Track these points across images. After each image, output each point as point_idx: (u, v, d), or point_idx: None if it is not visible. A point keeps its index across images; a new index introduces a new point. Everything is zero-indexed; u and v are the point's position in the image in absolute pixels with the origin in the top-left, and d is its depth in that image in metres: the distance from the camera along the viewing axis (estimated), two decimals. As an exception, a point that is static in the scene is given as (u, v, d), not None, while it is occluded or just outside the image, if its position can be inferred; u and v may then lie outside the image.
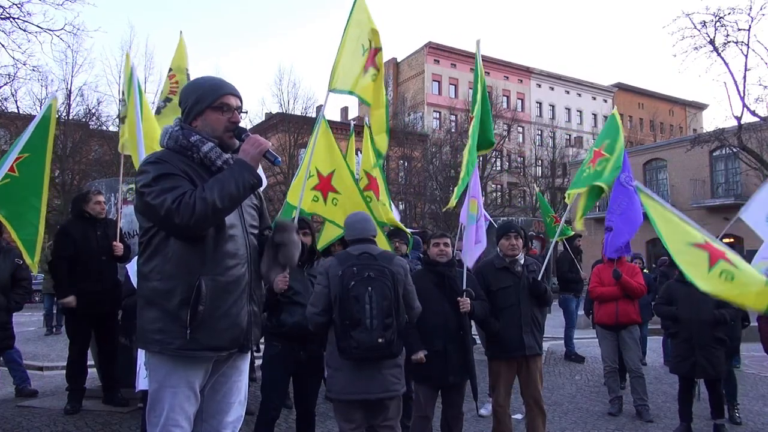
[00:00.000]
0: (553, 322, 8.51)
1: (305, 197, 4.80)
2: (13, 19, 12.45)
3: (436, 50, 46.79)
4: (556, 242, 6.23)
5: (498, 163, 37.95)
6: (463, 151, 4.73)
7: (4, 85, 17.19)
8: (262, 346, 4.10)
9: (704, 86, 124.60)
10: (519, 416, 5.17)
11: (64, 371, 5.26)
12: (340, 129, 36.01)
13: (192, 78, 5.38)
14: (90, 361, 5.14)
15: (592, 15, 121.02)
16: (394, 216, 6.07)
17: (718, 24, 17.33)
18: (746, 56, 17.49)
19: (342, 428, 3.42)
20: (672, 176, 29.09)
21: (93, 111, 23.97)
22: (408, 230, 5.96)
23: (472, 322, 4.24)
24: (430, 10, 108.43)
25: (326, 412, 5.19)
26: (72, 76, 23.21)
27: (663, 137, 48.70)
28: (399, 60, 49.38)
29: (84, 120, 23.87)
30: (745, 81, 17.64)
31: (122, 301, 4.52)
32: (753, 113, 18.09)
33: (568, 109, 52.54)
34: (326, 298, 3.35)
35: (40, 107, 4.95)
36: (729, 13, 17.24)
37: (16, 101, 21.83)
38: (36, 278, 14.84)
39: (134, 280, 3.66)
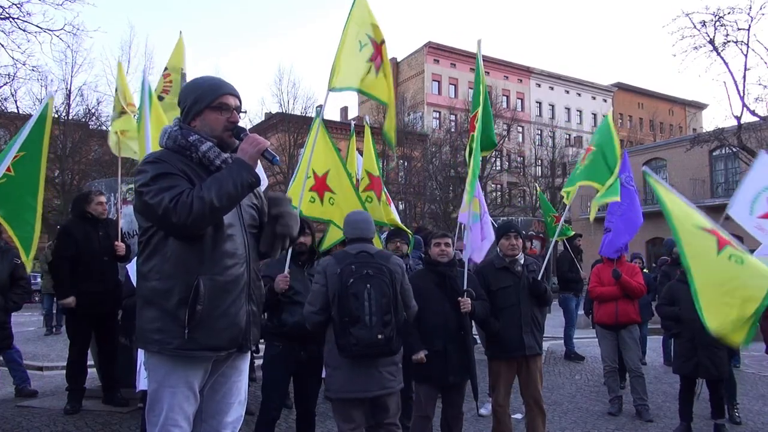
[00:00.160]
0: (553, 321, 8.52)
1: (296, 197, 4.83)
2: (13, 19, 12.46)
3: (435, 50, 46.80)
4: (556, 242, 6.23)
5: (498, 163, 37.98)
6: (465, 153, 4.72)
7: (4, 85, 17.22)
8: (261, 347, 4.10)
9: (704, 86, 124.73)
10: (519, 416, 5.17)
11: (64, 371, 5.26)
12: (340, 129, 36.02)
13: (188, 79, 5.39)
14: (90, 361, 5.14)
15: (592, 15, 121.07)
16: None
17: (717, 24, 17.35)
18: (746, 56, 17.52)
19: (341, 429, 3.41)
20: (672, 176, 29.06)
21: (93, 111, 23.99)
22: (409, 231, 5.96)
23: (473, 322, 4.24)
24: (430, 10, 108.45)
25: (326, 412, 5.19)
26: (72, 76, 23.25)
27: (663, 137, 48.71)
28: (399, 60, 49.35)
29: (84, 120, 23.88)
30: (744, 80, 17.67)
31: (122, 301, 4.53)
32: (753, 113, 18.11)
33: (568, 109, 52.57)
34: (324, 296, 3.36)
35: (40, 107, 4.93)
36: (729, 13, 17.27)
37: (15, 101, 21.87)
38: (35, 278, 14.87)
39: (134, 280, 3.66)
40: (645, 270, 8.83)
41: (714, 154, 25.34)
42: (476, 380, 4.04)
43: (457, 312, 3.90)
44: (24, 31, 12.79)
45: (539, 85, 51.14)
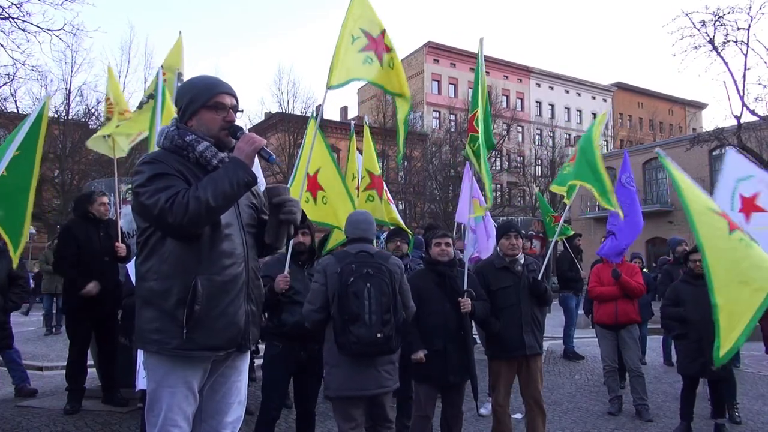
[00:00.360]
0: (553, 321, 8.52)
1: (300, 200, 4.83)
2: (13, 19, 12.46)
3: (435, 50, 46.78)
4: (556, 241, 6.23)
5: (497, 163, 37.98)
6: (465, 152, 4.69)
7: (4, 85, 17.21)
8: (261, 347, 4.10)
9: (704, 85, 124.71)
10: (519, 416, 5.17)
11: (64, 371, 5.26)
12: (340, 129, 36.05)
13: (183, 79, 5.40)
14: (90, 361, 5.14)
15: (592, 15, 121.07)
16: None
17: (717, 23, 17.33)
18: (746, 55, 17.50)
19: (342, 428, 3.41)
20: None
21: (92, 111, 23.95)
22: (409, 231, 5.97)
23: (473, 322, 4.24)
24: (430, 10, 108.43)
25: (326, 411, 5.18)
26: (71, 76, 23.26)
27: (662, 136, 48.74)
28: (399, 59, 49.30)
29: (83, 120, 23.88)
30: (744, 80, 17.64)
31: (122, 300, 4.53)
32: (752, 112, 18.10)
33: (568, 109, 52.55)
34: (324, 295, 3.37)
35: (39, 107, 4.93)
36: (728, 13, 17.25)
37: (15, 101, 21.85)
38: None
39: (134, 280, 3.67)
40: (645, 270, 8.84)
41: (714, 153, 25.34)
42: (476, 380, 4.04)
43: (457, 312, 3.91)
44: (24, 31, 12.80)
45: (539, 85, 51.13)
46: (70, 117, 23.44)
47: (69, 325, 5.16)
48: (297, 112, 30.85)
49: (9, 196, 4.44)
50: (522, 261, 4.35)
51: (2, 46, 12.93)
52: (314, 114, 4.70)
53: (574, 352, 8.30)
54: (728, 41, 17.48)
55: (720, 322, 3.60)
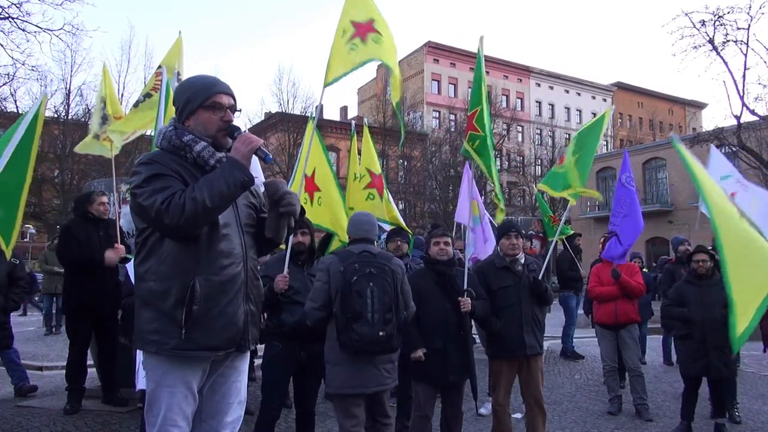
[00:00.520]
0: (553, 321, 8.51)
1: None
2: (12, 18, 12.46)
3: (435, 49, 46.77)
4: (556, 241, 6.22)
5: (497, 163, 37.95)
6: (467, 147, 4.67)
7: (3, 84, 17.19)
8: (261, 347, 4.10)
9: (703, 85, 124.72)
10: (519, 415, 5.17)
11: (64, 371, 5.26)
12: (340, 128, 36.04)
13: (182, 79, 5.39)
14: (90, 361, 5.14)
15: (592, 14, 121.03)
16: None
17: (717, 23, 17.33)
18: (745, 55, 17.51)
19: (343, 426, 3.43)
20: (671, 175, 29.10)
21: (92, 110, 23.91)
22: (410, 231, 5.97)
23: (472, 322, 4.24)
24: (430, 10, 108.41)
25: (326, 411, 5.19)
26: (71, 76, 23.21)
27: (662, 136, 48.71)
28: (398, 59, 49.26)
29: (83, 119, 23.84)
30: (744, 80, 17.65)
31: (122, 300, 4.53)
32: (752, 112, 18.11)
33: (568, 109, 52.54)
34: (326, 293, 3.41)
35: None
36: (728, 12, 17.25)
37: (15, 101, 21.80)
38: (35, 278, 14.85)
39: (133, 280, 3.67)
40: (644, 269, 8.83)
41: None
42: (476, 380, 4.04)
43: (456, 311, 3.91)
44: (23, 30, 12.80)
45: (539, 85, 51.11)
46: (69, 117, 23.41)
47: (69, 325, 5.16)
48: (297, 112, 30.84)
49: (6, 195, 4.45)
50: (522, 261, 4.35)
51: (2, 46, 12.94)
52: (313, 114, 4.69)
53: (574, 351, 8.30)
54: (728, 41, 17.50)
55: (735, 299, 3.66)
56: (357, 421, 3.41)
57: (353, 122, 7.25)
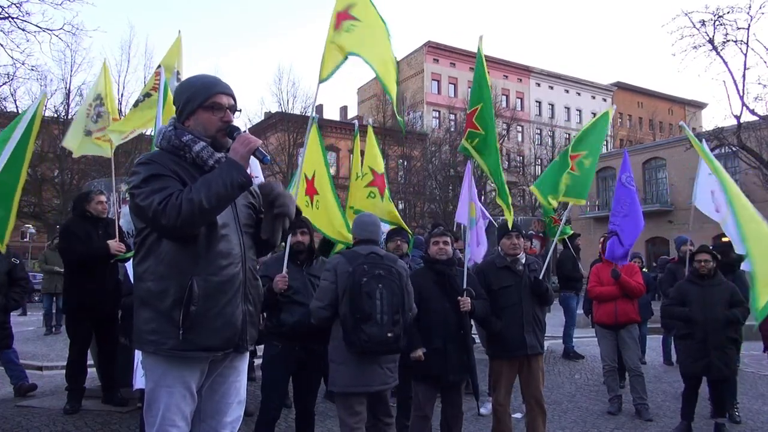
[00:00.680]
0: (553, 321, 8.51)
1: (298, 203, 4.83)
2: (12, 18, 12.47)
3: (435, 49, 46.78)
4: (556, 241, 6.20)
5: (497, 162, 37.85)
6: (466, 145, 4.63)
7: (3, 84, 17.24)
8: (261, 347, 4.10)
9: (703, 85, 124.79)
10: (518, 415, 5.17)
11: (64, 371, 5.26)
12: (339, 128, 36.05)
13: (181, 78, 5.39)
14: (90, 361, 5.14)
15: (592, 14, 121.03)
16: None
17: (717, 23, 17.37)
18: (745, 55, 17.54)
19: (347, 422, 3.47)
20: (671, 175, 29.11)
21: (84, 105, 23.85)
22: (409, 230, 5.97)
23: (472, 321, 4.24)
24: (430, 10, 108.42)
25: (326, 411, 5.19)
26: (71, 76, 23.24)
27: (662, 136, 48.75)
28: (398, 59, 49.13)
29: (83, 119, 23.81)
30: (744, 80, 17.69)
31: (121, 300, 4.53)
32: (752, 112, 18.13)
33: (568, 108, 52.54)
34: (333, 293, 3.45)
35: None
36: (728, 12, 17.29)
37: (15, 101, 21.83)
38: (35, 278, 14.87)
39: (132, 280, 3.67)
40: (644, 269, 8.82)
41: (714, 153, 25.32)
42: (476, 379, 4.04)
43: (456, 311, 3.91)
44: (23, 30, 12.81)
45: (539, 85, 51.11)
46: (69, 117, 23.40)
47: (69, 324, 5.17)
48: (297, 112, 30.84)
49: (4, 195, 4.47)
50: (523, 260, 4.35)
51: (2, 45, 12.96)
52: (313, 114, 4.68)
53: (574, 351, 8.29)
54: (728, 41, 17.53)
55: (756, 271, 3.88)
56: (359, 418, 3.46)
57: (357, 122, 7.26)
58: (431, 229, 4.63)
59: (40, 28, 12.95)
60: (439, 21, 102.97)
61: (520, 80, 50.00)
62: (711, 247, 5.48)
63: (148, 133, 6.26)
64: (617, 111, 53.67)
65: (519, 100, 49.10)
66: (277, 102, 32.07)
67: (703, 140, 5.48)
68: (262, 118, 34.28)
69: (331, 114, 46.45)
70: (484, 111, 4.54)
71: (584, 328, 10.10)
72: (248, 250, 2.34)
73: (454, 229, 6.01)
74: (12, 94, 21.32)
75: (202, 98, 2.28)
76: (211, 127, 2.29)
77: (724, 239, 7.32)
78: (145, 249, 2.20)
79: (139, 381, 3.57)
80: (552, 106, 51.32)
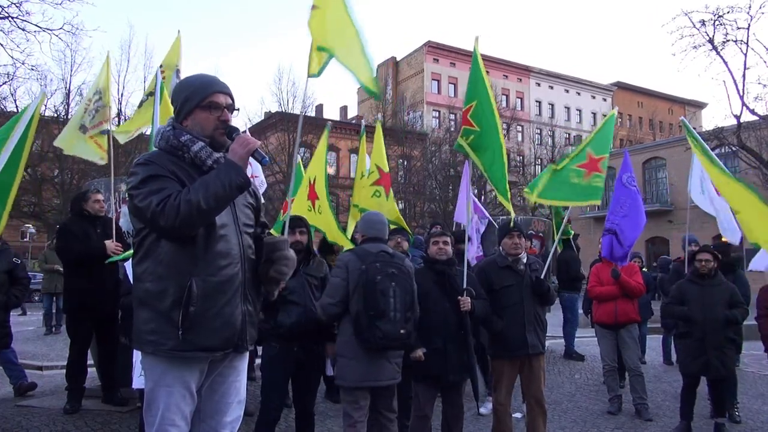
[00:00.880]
0: (553, 321, 8.51)
1: (300, 208, 4.90)
2: (12, 18, 12.47)
3: (435, 49, 46.78)
4: (558, 241, 6.18)
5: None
6: (461, 147, 4.62)
7: (3, 84, 17.24)
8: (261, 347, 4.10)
9: (703, 85, 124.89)
10: (518, 415, 5.17)
11: (64, 371, 5.26)
12: (340, 128, 36.01)
13: (182, 76, 5.41)
14: (90, 361, 5.14)
15: (592, 14, 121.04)
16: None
17: (717, 23, 17.37)
18: (745, 55, 17.53)
19: (352, 416, 3.53)
20: (671, 175, 29.10)
21: (83, 102, 23.84)
22: (409, 230, 5.99)
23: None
24: (430, 9, 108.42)
25: (326, 411, 5.19)
26: (71, 76, 23.19)
27: (662, 136, 48.74)
28: (398, 59, 49.35)
29: (83, 119, 23.81)
30: (744, 80, 17.68)
31: (120, 299, 4.53)
32: (752, 112, 18.13)
33: (568, 108, 52.55)
34: (344, 290, 3.54)
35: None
36: (728, 12, 17.29)
37: (15, 100, 21.80)
38: (35, 277, 14.87)
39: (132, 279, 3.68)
40: (644, 269, 8.81)
41: (714, 153, 25.30)
42: (477, 379, 4.05)
43: (456, 310, 3.91)
44: (23, 30, 12.81)
45: (539, 84, 51.11)
46: (69, 116, 23.39)
47: (69, 324, 5.17)
48: (296, 112, 30.78)
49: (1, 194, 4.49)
50: (525, 260, 4.35)
51: (2, 45, 12.95)
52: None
53: (576, 352, 8.28)
54: (728, 40, 17.53)
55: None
56: (363, 412, 3.56)
57: (363, 122, 7.31)
58: (429, 229, 4.65)
59: (40, 27, 12.95)
60: (439, 21, 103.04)
61: (520, 80, 50.01)
62: (711, 247, 5.48)
63: (148, 132, 6.29)
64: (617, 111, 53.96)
65: (519, 99, 49.10)
66: (277, 102, 32.05)
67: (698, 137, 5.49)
68: (262, 118, 34.26)
69: (332, 114, 46.47)
70: (479, 108, 4.51)
71: (584, 328, 10.10)
72: (247, 250, 2.33)
73: (453, 228, 6.01)
74: (12, 94, 21.32)
75: (200, 98, 2.28)
76: (208, 127, 2.28)
77: (724, 239, 7.32)
78: (144, 249, 2.20)
79: (138, 381, 3.57)
80: (552, 105, 51.32)
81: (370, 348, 3.44)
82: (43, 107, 4.98)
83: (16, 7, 12.32)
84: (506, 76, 48.12)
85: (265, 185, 6.91)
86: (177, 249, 2.14)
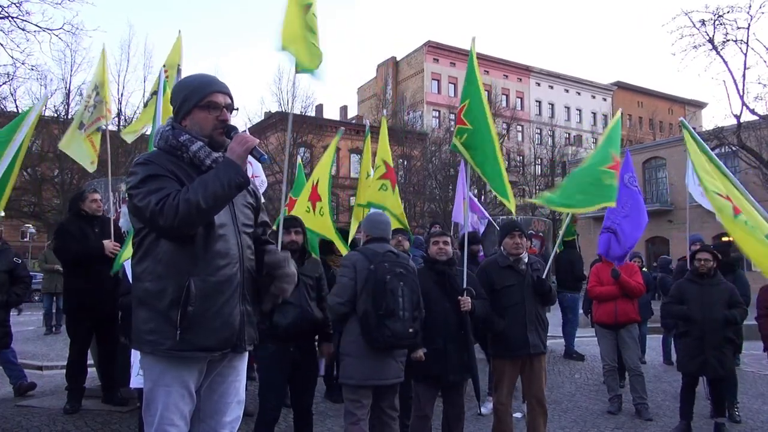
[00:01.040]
0: (553, 320, 8.50)
1: (299, 209, 4.90)
2: (12, 18, 12.47)
3: (435, 49, 46.79)
4: (557, 242, 6.17)
5: (497, 162, 37.86)
6: (456, 147, 4.62)
7: (3, 84, 17.22)
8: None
9: (703, 85, 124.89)
10: (519, 415, 5.17)
11: (64, 371, 5.26)
12: (339, 128, 35.98)
13: (183, 75, 5.42)
14: (90, 361, 5.14)
15: (592, 14, 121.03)
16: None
17: (717, 22, 17.37)
18: (745, 55, 17.54)
19: (354, 414, 3.54)
20: (671, 175, 29.09)
21: (83, 101, 23.84)
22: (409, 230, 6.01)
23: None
24: (430, 9, 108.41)
25: (326, 411, 5.19)
26: (71, 75, 23.19)
27: (662, 136, 48.73)
28: (398, 59, 49.37)
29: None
30: (744, 79, 17.69)
31: (119, 299, 4.53)
32: (752, 112, 18.13)
33: (568, 108, 52.56)
34: (352, 289, 3.56)
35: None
36: (728, 12, 17.29)
37: (15, 100, 21.80)
38: (35, 277, 14.87)
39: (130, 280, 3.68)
40: (644, 269, 8.80)
41: (714, 153, 25.30)
42: (477, 379, 4.04)
43: (457, 310, 3.91)
44: (23, 30, 12.80)
45: (539, 84, 51.12)
46: (69, 116, 23.39)
47: (69, 324, 5.17)
48: (296, 111, 30.80)
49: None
50: (526, 260, 4.35)
51: (2, 45, 12.94)
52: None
53: (576, 352, 8.27)
54: (728, 40, 17.53)
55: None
56: (366, 410, 3.58)
57: (368, 122, 7.33)
58: (429, 229, 4.66)
59: (40, 27, 12.95)
60: (439, 21, 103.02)
61: (520, 80, 50.01)
62: (711, 247, 5.48)
63: (148, 132, 6.32)
64: (616, 110, 54.13)
65: (519, 99, 49.12)
66: (277, 102, 32.01)
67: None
68: (262, 118, 34.26)
69: (332, 114, 46.47)
70: (471, 106, 4.53)
71: (584, 327, 10.10)
72: (246, 250, 2.33)
73: (452, 228, 6.03)
74: (12, 94, 21.31)
75: (198, 97, 2.28)
76: (207, 126, 2.28)
77: (724, 239, 7.33)
78: (144, 249, 2.20)
79: (136, 380, 3.57)
80: (552, 105, 51.33)
81: (379, 347, 3.47)
82: (43, 107, 4.99)
83: (16, 6, 12.34)
84: (506, 76, 48.13)
85: (266, 185, 6.93)
86: (176, 248, 2.14)
